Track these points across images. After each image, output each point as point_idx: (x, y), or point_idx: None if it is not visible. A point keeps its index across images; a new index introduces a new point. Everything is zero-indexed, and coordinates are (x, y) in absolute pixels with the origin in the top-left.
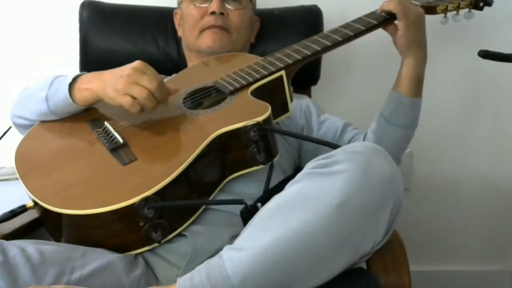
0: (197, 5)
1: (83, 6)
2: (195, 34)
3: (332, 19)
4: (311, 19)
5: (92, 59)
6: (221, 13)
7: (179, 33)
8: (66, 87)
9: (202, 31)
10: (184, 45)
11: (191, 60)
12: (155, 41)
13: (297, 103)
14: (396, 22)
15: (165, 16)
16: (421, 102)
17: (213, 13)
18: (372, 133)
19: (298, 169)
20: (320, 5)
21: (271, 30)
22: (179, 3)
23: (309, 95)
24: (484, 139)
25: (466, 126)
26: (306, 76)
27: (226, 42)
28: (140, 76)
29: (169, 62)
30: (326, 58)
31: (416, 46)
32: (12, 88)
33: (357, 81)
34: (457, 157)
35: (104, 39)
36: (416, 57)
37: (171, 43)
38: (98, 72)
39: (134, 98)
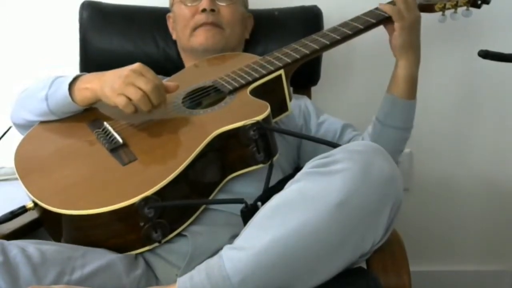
0: (188, 4)
1: (83, 7)
2: (187, 33)
3: (332, 19)
4: (311, 20)
5: (92, 59)
6: (212, 10)
7: (173, 36)
8: (66, 87)
9: (194, 29)
10: (179, 47)
11: (188, 62)
12: (154, 41)
13: (296, 103)
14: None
15: (164, 16)
16: (415, 103)
17: (204, 10)
18: (368, 135)
19: (297, 168)
20: (320, 6)
21: (271, 30)
22: (171, 6)
23: (309, 96)
24: (484, 139)
25: (466, 126)
26: (306, 77)
27: (219, 38)
28: (137, 78)
29: (168, 62)
30: (326, 58)
31: (409, 48)
32: (12, 88)
33: (357, 81)
34: (457, 157)
35: (104, 39)
36: (409, 59)
37: (170, 43)
38: (99, 73)
39: (129, 99)
